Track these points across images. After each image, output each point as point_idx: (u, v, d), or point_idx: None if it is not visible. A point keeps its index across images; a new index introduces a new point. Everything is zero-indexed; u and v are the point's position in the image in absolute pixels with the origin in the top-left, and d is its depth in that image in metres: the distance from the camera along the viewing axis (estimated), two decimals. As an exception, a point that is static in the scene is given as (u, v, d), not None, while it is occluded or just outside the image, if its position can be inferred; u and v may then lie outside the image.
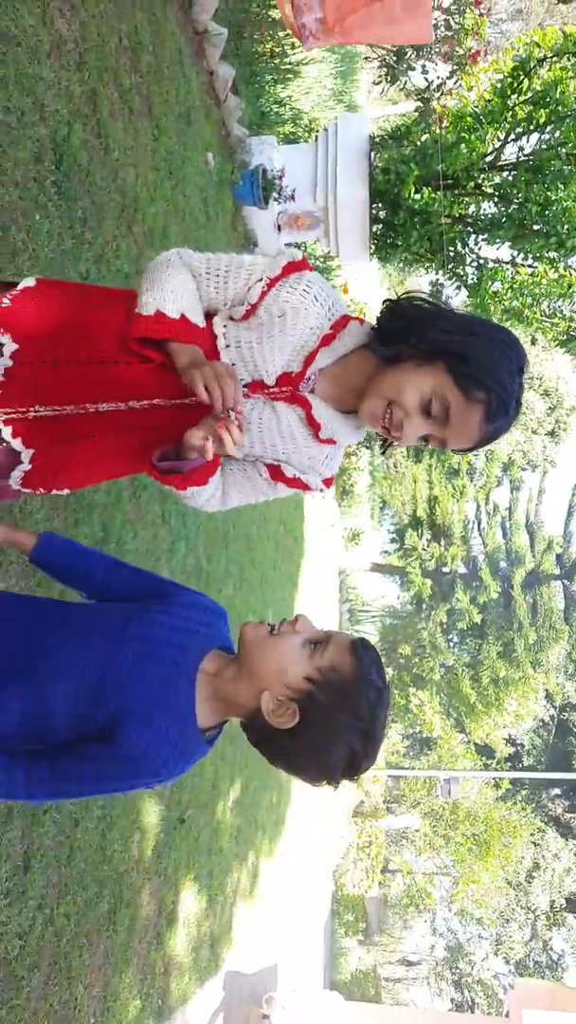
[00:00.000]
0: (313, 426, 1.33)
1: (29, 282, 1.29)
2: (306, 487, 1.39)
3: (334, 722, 1.13)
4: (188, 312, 1.25)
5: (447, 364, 1.26)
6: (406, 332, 1.30)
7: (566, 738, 25.27)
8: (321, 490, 1.42)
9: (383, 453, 1.54)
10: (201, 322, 1.29)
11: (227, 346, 1.29)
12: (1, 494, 1.36)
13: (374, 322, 1.39)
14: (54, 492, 1.38)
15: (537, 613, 18.90)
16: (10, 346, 1.23)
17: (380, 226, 7.55)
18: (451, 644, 20.20)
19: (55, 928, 2.71)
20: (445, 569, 19.85)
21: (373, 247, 7.56)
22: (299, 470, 1.37)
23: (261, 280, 1.30)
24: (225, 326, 1.29)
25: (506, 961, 24.24)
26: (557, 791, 25.15)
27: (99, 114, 3.46)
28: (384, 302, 1.37)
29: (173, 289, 1.25)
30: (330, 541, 16.10)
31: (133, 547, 3.74)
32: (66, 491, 1.40)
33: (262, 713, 1.14)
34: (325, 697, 1.13)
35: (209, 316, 1.32)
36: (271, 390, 1.31)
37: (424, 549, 19.99)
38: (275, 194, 6.51)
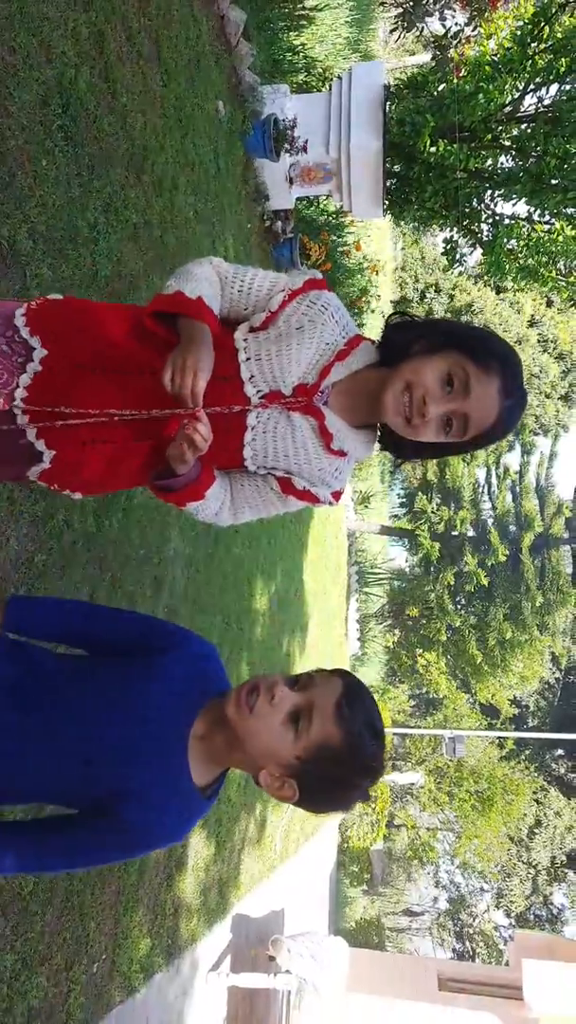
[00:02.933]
0: (325, 437, 1.38)
1: (56, 296, 1.39)
2: (315, 499, 1.43)
3: (336, 786, 1.17)
4: (206, 298, 1.30)
5: (458, 347, 1.33)
6: (414, 334, 1.39)
7: (571, 700, 25.53)
8: (330, 503, 1.46)
9: (398, 467, 1.57)
10: (217, 310, 1.34)
11: (247, 359, 1.34)
12: (16, 477, 1.42)
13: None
14: (67, 493, 1.42)
15: (545, 577, 18.89)
16: (40, 351, 1.31)
17: (394, 180, 7.40)
18: (458, 606, 20.24)
19: (67, 866, 2.80)
20: (454, 532, 19.82)
21: (387, 202, 7.41)
22: (309, 482, 1.42)
23: (283, 291, 1.37)
24: (246, 339, 1.36)
25: (507, 914, 24.84)
26: (560, 751, 25.48)
27: (107, 57, 3.38)
28: (391, 315, 1.47)
29: (196, 277, 1.32)
30: (339, 503, 16.09)
31: (141, 501, 3.76)
32: (79, 496, 1.43)
33: None
34: (321, 770, 1.14)
35: (231, 328, 1.37)
36: (287, 400, 1.36)
37: (433, 512, 19.94)
38: (287, 145, 6.38)
